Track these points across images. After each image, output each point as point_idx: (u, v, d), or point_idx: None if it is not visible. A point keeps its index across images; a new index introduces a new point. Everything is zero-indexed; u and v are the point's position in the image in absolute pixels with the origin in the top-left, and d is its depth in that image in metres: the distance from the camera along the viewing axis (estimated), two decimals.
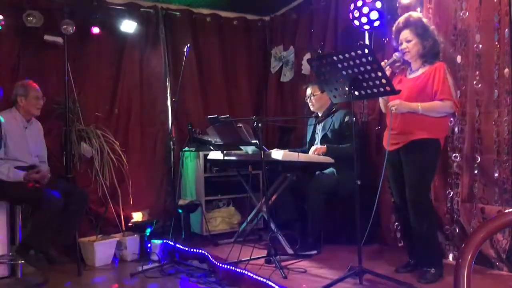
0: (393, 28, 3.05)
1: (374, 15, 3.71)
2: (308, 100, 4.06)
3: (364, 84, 2.81)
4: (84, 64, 4.50)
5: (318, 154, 3.76)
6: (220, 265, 3.41)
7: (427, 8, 3.51)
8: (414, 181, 2.90)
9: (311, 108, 4.08)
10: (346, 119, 3.78)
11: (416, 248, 3.04)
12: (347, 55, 2.77)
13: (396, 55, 3.00)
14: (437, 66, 2.89)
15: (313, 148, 3.85)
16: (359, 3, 3.74)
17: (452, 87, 2.90)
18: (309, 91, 4.04)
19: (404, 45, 2.96)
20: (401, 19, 3.00)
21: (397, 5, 3.76)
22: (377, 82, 2.76)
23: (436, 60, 2.94)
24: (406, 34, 2.95)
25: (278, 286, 2.83)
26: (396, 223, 3.73)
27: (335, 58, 2.84)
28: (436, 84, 2.85)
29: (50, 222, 3.47)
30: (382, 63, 2.85)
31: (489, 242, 3.00)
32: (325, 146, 3.81)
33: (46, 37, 4.15)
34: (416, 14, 3.10)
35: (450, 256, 3.34)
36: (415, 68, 3.01)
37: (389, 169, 3.09)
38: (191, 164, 4.69)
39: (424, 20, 3.00)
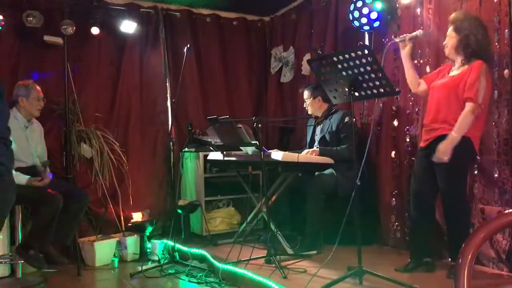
0: None
1: (374, 15, 3.71)
2: (305, 104, 4.12)
3: (364, 85, 2.82)
4: (84, 64, 4.50)
5: None
6: (220, 265, 3.42)
7: (427, 9, 3.51)
8: (445, 178, 2.91)
9: (309, 112, 4.11)
10: (346, 119, 3.79)
11: (449, 243, 3.06)
12: (347, 55, 2.77)
13: (420, 31, 3.06)
14: (474, 66, 2.85)
15: (306, 150, 3.86)
16: (359, 4, 3.74)
17: (483, 89, 2.82)
18: (303, 95, 4.11)
19: (446, 40, 3.00)
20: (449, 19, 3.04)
21: (397, 5, 3.76)
22: (377, 82, 2.76)
23: (474, 59, 2.88)
24: (449, 30, 2.99)
25: (278, 286, 2.83)
26: (396, 223, 3.73)
27: (335, 58, 2.85)
28: (467, 84, 2.83)
29: (50, 222, 3.47)
30: (403, 36, 3.03)
31: (489, 242, 3.00)
32: (318, 149, 3.82)
33: (46, 38, 4.15)
34: (461, 11, 3.06)
35: None
36: (455, 67, 3.01)
37: (415, 166, 3.15)
38: (191, 165, 4.69)
39: (464, 14, 2.97)
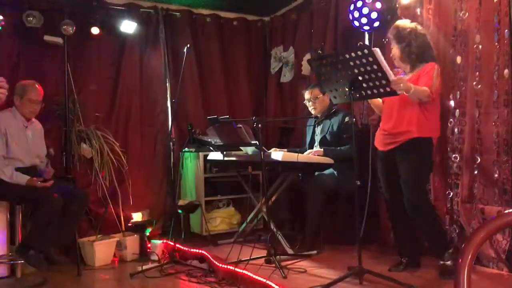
0: None
1: (374, 15, 3.71)
2: (311, 103, 4.03)
3: (364, 85, 2.82)
4: (84, 64, 4.50)
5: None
6: (220, 265, 3.42)
7: (427, 9, 3.51)
8: (411, 181, 2.97)
9: (313, 112, 4.06)
10: (347, 119, 3.78)
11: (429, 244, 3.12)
12: (347, 55, 2.78)
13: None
14: (428, 66, 2.96)
15: (309, 150, 3.86)
16: (359, 4, 3.74)
17: (436, 81, 2.93)
18: (309, 94, 4.01)
19: (392, 52, 3.10)
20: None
21: (397, 5, 3.76)
22: (377, 82, 2.76)
23: (424, 62, 2.99)
24: (392, 43, 3.10)
25: (278, 286, 2.83)
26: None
27: (335, 58, 2.85)
28: (422, 77, 2.93)
29: (49, 222, 3.47)
30: None
31: (489, 242, 3.00)
32: (322, 149, 3.81)
33: (46, 38, 4.15)
34: (396, 23, 3.15)
35: None
36: (407, 72, 3.10)
37: (381, 167, 3.17)
38: (191, 165, 4.69)
39: (402, 25, 3.06)
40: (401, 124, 2.98)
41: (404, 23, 3.11)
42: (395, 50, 3.08)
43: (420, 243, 3.30)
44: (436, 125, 3.06)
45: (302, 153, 3.84)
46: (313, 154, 3.77)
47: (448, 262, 2.92)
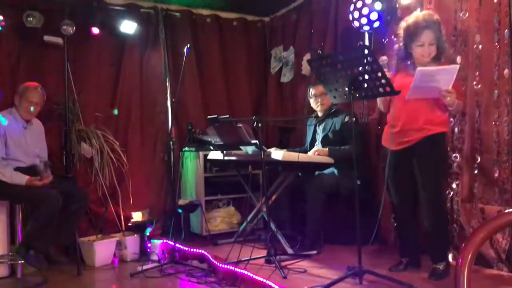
0: (410, 26, 2.92)
1: (374, 16, 3.71)
2: (319, 99, 3.97)
3: (364, 85, 2.81)
4: (84, 65, 4.50)
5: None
6: (220, 265, 3.42)
7: (427, 9, 3.51)
8: (431, 178, 2.92)
9: (319, 108, 4.02)
10: (346, 119, 3.78)
11: (428, 245, 3.08)
12: (347, 55, 2.77)
13: (383, 59, 2.94)
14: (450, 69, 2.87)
15: (313, 149, 3.85)
16: (359, 4, 3.74)
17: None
18: (317, 90, 3.96)
19: (427, 48, 2.89)
20: (421, 18, 2.90)
21: (397, 5, 3.76)
22: (377, 82, 2.76)
23: (439, 60, 2.94)
24: (430, 36, 2.88)
25: (278, 286, 2.83)
26: (396, 223, 3.73)
27: (335, 58, 2.85)
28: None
29: (49, 222, 3.47)
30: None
31: (489, 242, 3.00)
32: (327, 148, 3.80)
33: (46, 38, 4.16)
34: (431, 13, 3.00)
35: (450, 256, 3.33)
36: (422, 65, 2.94)
37: (391, 169, 3.05)
38: (191, 164, 4.69)
39: (433, 16, 2.96)
40: (417, 121, 2.90)
41: (431, 13, 3.00)
42: (437, 49, 2.90)
43: (422, 243, 3.30)
44: (447, 118, 3.01)
45: (306, 152, 3.84)
46: (317, 154, 3.75)
47: (441, 267, 2.92)
